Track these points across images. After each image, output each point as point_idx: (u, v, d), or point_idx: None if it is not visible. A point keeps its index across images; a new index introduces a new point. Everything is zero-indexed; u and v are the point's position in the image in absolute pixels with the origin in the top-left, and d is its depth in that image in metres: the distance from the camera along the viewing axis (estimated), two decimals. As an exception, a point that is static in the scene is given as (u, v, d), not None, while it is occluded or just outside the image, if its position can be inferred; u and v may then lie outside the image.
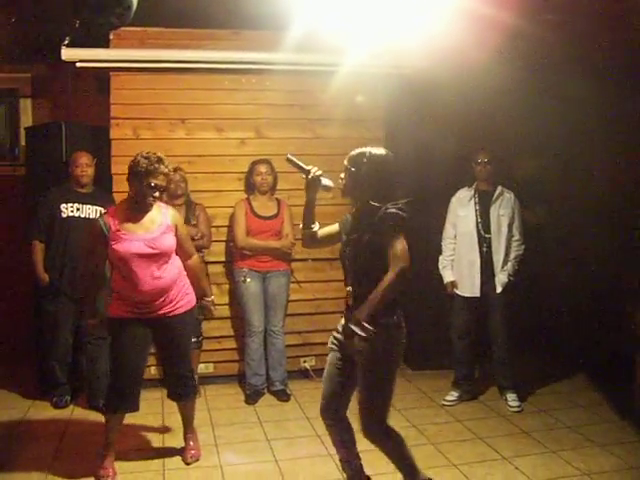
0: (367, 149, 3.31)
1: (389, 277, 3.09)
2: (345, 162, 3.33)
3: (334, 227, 3.56)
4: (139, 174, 3.82)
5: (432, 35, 4.80)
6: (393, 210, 3.15)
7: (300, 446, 4.57)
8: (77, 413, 5.18)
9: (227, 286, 5.80)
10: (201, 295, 4.30)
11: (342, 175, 3.35)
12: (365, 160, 3.27)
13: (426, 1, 4.44)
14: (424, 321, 6.08)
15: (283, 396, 5.46)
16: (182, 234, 4.12)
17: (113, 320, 4.00)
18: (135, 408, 4.12)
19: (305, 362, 6.00)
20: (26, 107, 6.38)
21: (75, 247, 5.15)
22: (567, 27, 4.90)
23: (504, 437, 4.75)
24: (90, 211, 5.23)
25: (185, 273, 4.16)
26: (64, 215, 5.17)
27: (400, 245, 3.12)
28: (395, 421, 4.89)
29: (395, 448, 3.50)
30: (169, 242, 3.97)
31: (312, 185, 3.30)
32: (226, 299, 5.79)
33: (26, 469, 4.16)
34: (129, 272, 3.87)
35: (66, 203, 5.19)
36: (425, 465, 3.91)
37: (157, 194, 3.88)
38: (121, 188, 5.49)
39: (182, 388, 4.23)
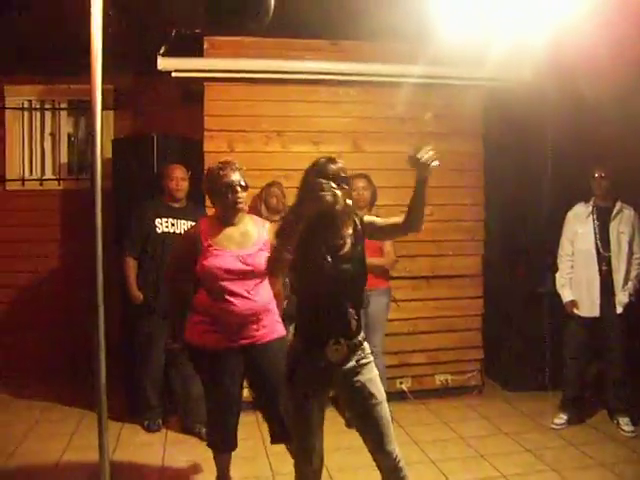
0: (337, 162, 3.03)
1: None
2: (341, 183, 2.91)
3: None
4: (212, 186, 3.59)
5: (537, 48, 4.66)
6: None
7: (417, 472, 4.20)
8: (172, 438, 4.96)
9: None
10: None
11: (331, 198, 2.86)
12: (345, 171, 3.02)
13: (533, 15, 4.29)
14: (520, 341, 5.94)
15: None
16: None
17: (200, 351, 3.61)
18: (233, 447, 3.78)
19: (402, 383, 5.71)
20: (108, 119, 6.22)
21: (170, 264, 4.97)
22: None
23: (627, 464, 4.49)
24: (185, 226, 5.02)
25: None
26: (159, 231, 4.98)
27: None
28: (506, 446, 4.83)
29: None
30: (264, 260, 3.57)
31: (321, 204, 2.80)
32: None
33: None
34: (219, 291, 3.51)
35: (160, 218, 5.00)
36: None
37: (240, 192, 3.55)
38: (214, 203, 5.34)
39: (283, 428, 3.60)
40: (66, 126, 6.68)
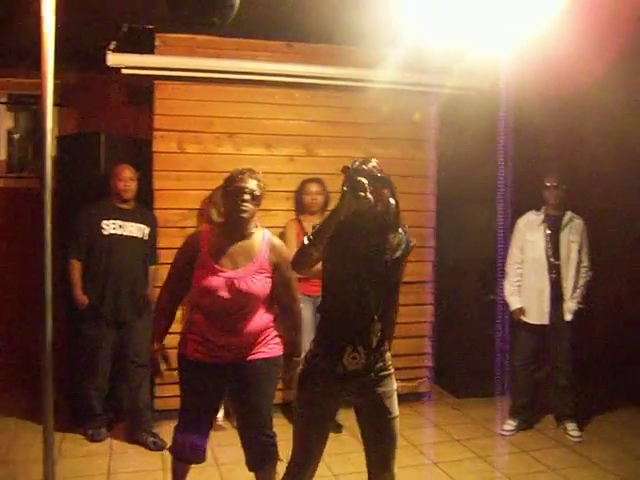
0: (372, 160, 2.91)
1: None
2: (380, 183, 2.81)
3: None
4: (227, 184, 3.31)
5: (496, 58, 4.68)
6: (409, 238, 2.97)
7: None
8: (117, 448, 4.77)
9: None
10: (290, 352, 3.50)
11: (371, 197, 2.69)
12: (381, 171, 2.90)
13: (493, 25, 4.29)
14: (469, 348, 5.96)
15: (336, 428, 5.14)
16: (286, 274, 3.36)
17: (188, 362, 3.38)
18: (200, 459, 3.57)
19: (352, 392, 5.66)
20: (53, 116, 5.91)
21: (117, 267, 4.79)
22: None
23: (576, 469, 4.60)
24: (133, 229, 4.87)
25: (272, 325, 3.47)
26: (105, 232, 4.78)
27: None
28: (458, 453, 4.85)
29: None
30: (259, 285, 3.29)
31: (356, 200, 2.63)
32: (272, 325, 5.46)
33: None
34: (208, 312, 3.30)
35: (107, 220, 4.80)
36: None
37: (248, 198, 3.23)
38: (163, 205, 5.21)
39: (260, 454, 3.46)
40: (5, 121, 6.42)
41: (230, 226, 3.36)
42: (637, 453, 4.86)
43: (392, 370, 2.99)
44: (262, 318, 3.38)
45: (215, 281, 3.24)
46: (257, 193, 3.27)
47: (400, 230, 2.94)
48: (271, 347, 3.43)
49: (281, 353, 3.49)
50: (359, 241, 2.84)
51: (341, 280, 2.87)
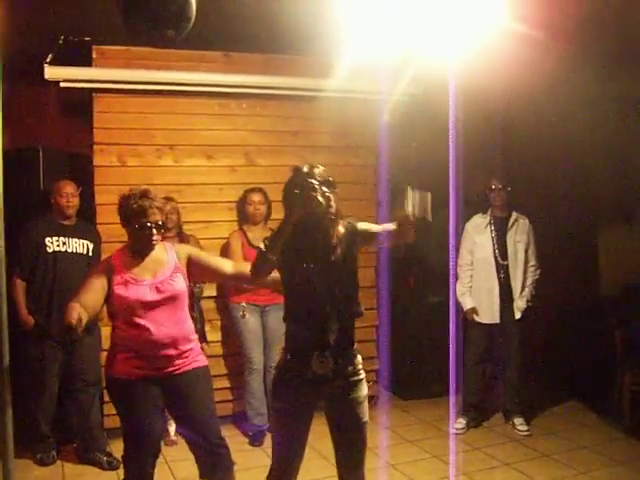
0: (318, 166, 2.97)
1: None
2: (326, 187, 2.84)
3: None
4: (129, 217, 3.35)
5: (428, 62, 4.79)
6: (352, 219, 3.05)
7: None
8: (70, 471, 4.66)
9: (219, 322, 5.44)
10: None
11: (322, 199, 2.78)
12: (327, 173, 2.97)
13: (433, 30, 4.40)
14: (412, 349, 6.06)
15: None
16: (200, 256, 3.60)
17: (119, 382, 3.36)
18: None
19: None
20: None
21: (63, 284, 4.67)
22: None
23: (529, 461, 4.76)
24: (77, 245, 4.77)
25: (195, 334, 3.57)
26: (50, 250, 4.67)
27: None
28: (413, 454, 4.94)
29: None
30: (179, 284, 3.42)
31: (308, 202, 2.73)
32: (219, 336, 5.42)
33: None
34: (136, 322, 3.32)
35: (51, 237, 4.69)
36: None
37: (155, 232, 3.36)
38: (105, 220, 5.09)
39: (213, 461, 3.44)
40: None
41: (140, 249, 3.43)
42: (582, 443, 5.05)
43: (363, 375, 3.03)
44: (185, 322, 3.47)
45: (140, 289, 3.33)
46: (161, 222, 3.40)
47: (341, 226, 2.99)
48: (200, 357, 3.50)
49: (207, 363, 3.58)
50: (309, 245, 2.90)
51: (296, 285, 2.94)
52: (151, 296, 3.32)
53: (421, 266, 6.06)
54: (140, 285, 3.33)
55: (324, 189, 2.78)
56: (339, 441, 3.04)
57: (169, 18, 3.22)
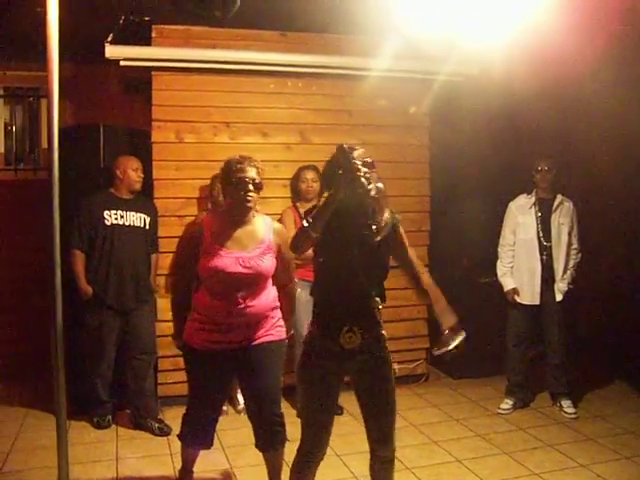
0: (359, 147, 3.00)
1: (431, 280, 3.17)
2: (368, 168, 2.85)
3: None
4: (227, 177, 3.38)
5: (484, 43, 4.74)
6: (396, 213, 3.11)
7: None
8: (123, 434, 4.86)
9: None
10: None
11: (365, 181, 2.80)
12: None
13: (481, 12, 4.36)
14: (466, 329, 6.05)
15: (337, 410, 5.25)
16: (286, 255, 3.52)
17: (193, 350, 3.46)
18: (208, 445, 3.69)
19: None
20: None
21: (120, 256, 4.86)
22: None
23: (572, 444, 4.73)
24: (134, 218, 4.93)
25: (279, 305, 3.62)
26: (108, 223, 4.84)
27: None
28: (457, 432, 4.99)
29: None
30: (267, 264, 3.42)
31: (352, 183, 2.74)
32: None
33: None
34: (217, 292, 3.40)
35: (109, 210, 4.86)
36: (507, 475, 4.21)
37: (252, 189, 3.33)
38: (163, 194, 5.27)
39: (270, 434, 3.56)
40: (2, 114, 6.45)
41: (234, 213, 3.45)
42: (629, 428, 4.98)
43: (389, 355, 3.10)
44: (268, 296, 3.51)
45: (225, 260, 3.35)
46: (258, 181, 3.37)
47: (386, 212, 3.07)
48: (278, 330, 3.55)
49: (286, 336, 3.62)
50: (349, 224, 2.95)
51: (334, 263, 2.98)
52: (234, 269, 3.35)
53: (475, 246, 6.04)
54: (224, 256, 3.36)
55: (365, 170, 2.80)
56: (368, 414, 3.12)
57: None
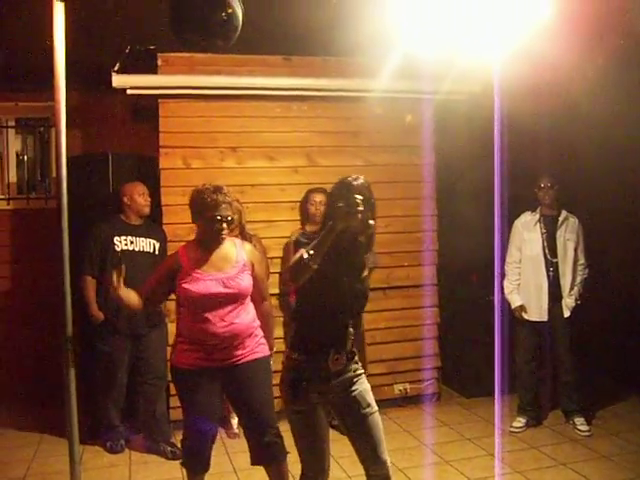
0: (361, 177, 3.07)
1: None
2: (360, 196, 2.86)
3: None
4: (201, 210, 3.51)
5: (485, 61, 4.78)
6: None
7: None
8: (136, 458, 4.89)
9: (281, 319, 5.56)
10: None
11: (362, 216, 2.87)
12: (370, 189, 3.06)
13: (480, 30, 4.40)
14: (474, 348, 6.06)
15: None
16: (259, 273, 3.70)
17: (181, 371, 3.56)
18: (206, 468, 3.70)
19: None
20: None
21: (131, 282, 4.87)
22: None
23: (586, 462, 4.69)
24: (144, 244, 4.99)
25: (259, 323, 3.73)
26: (118, 249, 4.90)
27: None
28: (469, 451, 4.96)
29: None
30: (246, 282, 3.57)
31: (350, 217, 2.78)
32: (281, 332, 5.53)
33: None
34: (200, 315, 3.48)
35: (119, 236, 4.93)
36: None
37: (225, 226, 3.51)
38: (171, 220, 5.33)
39: (267, 447, 3.57)
40: (14, 144, 6.55)
41: (209, 242, 3.59)
42: (645, 446, 4.96)
43: (363, 370, 3.20)
44: (248, 315, 3.62)
45: (207, 283, 3.48)
46: (230, 218, 3.54)
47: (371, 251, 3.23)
48: (262, 347, 3.66)
49: (269, 352, 3.73)
50: (343, 256, 3.04)
51: (323, 293, 3.03)
52: (215, 290, 3.46)
53: (484, 263, 6.04)
54: (205, 280, 3.48)
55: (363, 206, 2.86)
56: (355, 433, 3.13)
57: (216, 28, 3.36)
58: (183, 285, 3.49)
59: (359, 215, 2.78)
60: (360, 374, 3.15)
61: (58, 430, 5.20)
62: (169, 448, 4.89)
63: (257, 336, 3.66)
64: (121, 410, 5.07)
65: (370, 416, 3.09)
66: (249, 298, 3.64)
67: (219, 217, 3.47)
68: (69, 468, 3.14)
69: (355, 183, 3.02)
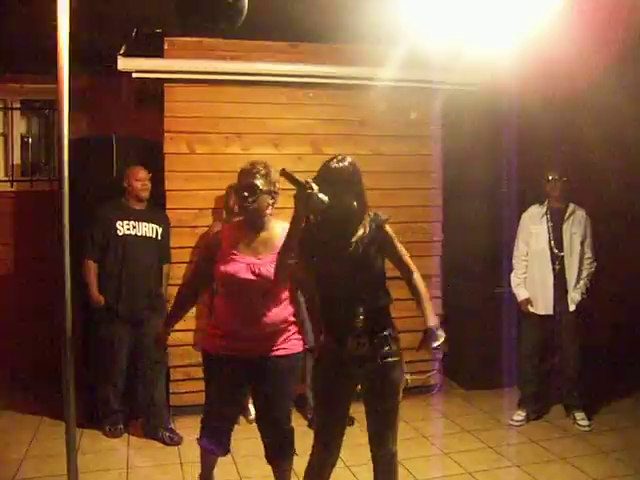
0: (347, 158, 3.05)
1: (420, 280, 3.20)
2: (342, 184, 2.94)
3: None
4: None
5: (494, 51, 4.74)
6: (380, 214, 3.13)
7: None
8: (135, 443, 4.89)
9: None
10: None
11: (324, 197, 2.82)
12: (357, 169, 3.02)
13: (489, 21, 4.36)
14: (475, 339, 6.04)
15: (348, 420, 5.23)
16: None
17: (206, 355, 3.53)
18: (224, 452, 3.65)
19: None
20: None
21: (132, 266, 4.90)
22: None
23: (586, 458, 4.67)
24: (146, 229, 4.98)
25: (294, 319, 3.54)
26: (120, 233, 4.89)
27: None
28: (469, 443, 4.95)
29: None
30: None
31: (306, 201, 2.76)
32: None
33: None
34: (228, 300, 3.42)
35: (122, 220, 4.92)
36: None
37: (247, 195, 3.28)
38: (175, 205, 5.31)
39: (279, 446, 3.56)
40: (19, 126, 6.53)
41: (245, 220, 3.46)
42: (645, 442, 4.94)
43: (399, 357, 3.15)
44: (283, 309, 3.46)
45: (237, 266, 3.34)
46: (261, 188, 3.31)
47: (367, 217, 3.09)
48: (292, 343, 3.50)
49: (302, 349, 3.57)
50: (327, 238, 3.02)
51: (322, 276, 3.08)
52: (245, 275, 3.33)
53: (489, 256, 6.01)
54: (239, 262, 3.35)
55: (330, 185, 2.85)
56: (368, 414, 3.18)
57: (221, 11, 3.33)
58: (218, 264, 3.38)
59: (315, 195, 2.73)
60: (391, 362, 3.09)
61: (57, 412, 5.17)
62: (167, 434, 4.89)
63: (289, 331, 3.50)
64: (121, 394, 5.04)
65: (392, 406, 3.15)
66: (286, 293, 3.47)
67: (238, 187, 3.35)
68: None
69: (333, 165, 3.00)
